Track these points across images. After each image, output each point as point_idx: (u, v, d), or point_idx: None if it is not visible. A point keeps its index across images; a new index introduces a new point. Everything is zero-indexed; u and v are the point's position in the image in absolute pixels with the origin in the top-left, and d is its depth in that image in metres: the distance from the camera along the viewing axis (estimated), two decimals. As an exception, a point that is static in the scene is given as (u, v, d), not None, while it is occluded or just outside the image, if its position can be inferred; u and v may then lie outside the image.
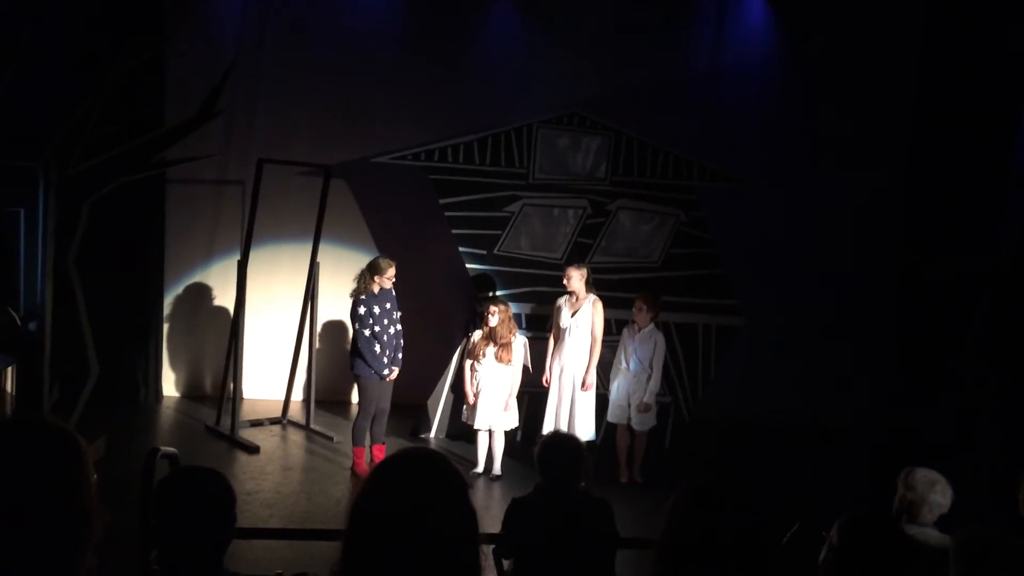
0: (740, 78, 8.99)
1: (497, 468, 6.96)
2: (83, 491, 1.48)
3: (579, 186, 8.17)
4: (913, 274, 8.96)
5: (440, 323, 8.36)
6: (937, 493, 3.72)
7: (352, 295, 6.78)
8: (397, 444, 7.05)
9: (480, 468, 6.98)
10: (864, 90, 9.05)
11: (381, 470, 1.68)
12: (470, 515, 1.65)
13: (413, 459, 1.70)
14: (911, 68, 9.06)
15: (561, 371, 7.02)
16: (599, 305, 7.01)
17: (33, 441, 1.47)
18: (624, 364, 7.11)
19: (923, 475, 3.76)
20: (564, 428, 6.84)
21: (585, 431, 6.85)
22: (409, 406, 7.88)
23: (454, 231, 7.99)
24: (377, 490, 1.63)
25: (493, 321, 6.82)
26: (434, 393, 7.97)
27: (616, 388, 7.19)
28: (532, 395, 7.48)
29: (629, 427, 7.17)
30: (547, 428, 7.03)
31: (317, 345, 8.23)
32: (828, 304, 9.07)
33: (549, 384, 7.10)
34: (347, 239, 8.64)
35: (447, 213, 7.97)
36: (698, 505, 1.76)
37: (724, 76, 9.00)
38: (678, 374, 8.16)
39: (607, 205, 8.20)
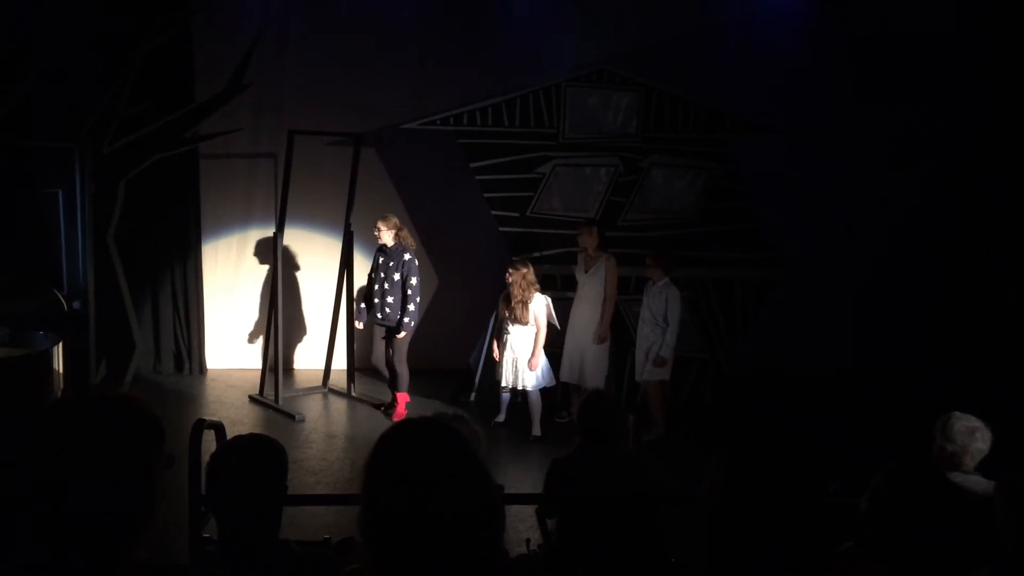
0: (772, 25, 8.78)
1: (536, 429, 7.04)
2: (157, 466, 1.57)
3: (610, 144, 8.09)
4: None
5: (478, 287, 8.37)
6: (978, 440, 3.63)
7: None
8: (435, 408, 7.11)
9: (501, 418, 7.33)
10: (903, 33, 8.80)
11: (379, 447, 1.62)
12: (479, 478, 1.57)
13: (409, 432, 1.64)
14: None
15: (573, 325, 7.22)
16: (612, 262, 7.11)
17: (127, 417, 1.56)
18: (642, 320, 7.19)
19: (962, 424, 3.67)
20: (575, 380, 7.15)
21: (594, 383, 6.95)
22: (451, 371, 7.94)
23: (486, 194, 7.98)
24: (379, 468, 1.58)
25: (509, 282, 6.93)
26: (474, 354, 8.04)
27: (637, 344, 7.24)
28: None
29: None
30: (562, 377, 7.29)
31: (355, 313, 8.29)
32: (866, 254, 8.94)
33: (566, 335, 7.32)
34: (380, 207, 8.64)
35: (478, 176, 7.95)
36: (740, 462, 1.75)
37: (756, 23, 8.79)
38: (716, 329, 8.12)
39: (639, 162, 8.12)
